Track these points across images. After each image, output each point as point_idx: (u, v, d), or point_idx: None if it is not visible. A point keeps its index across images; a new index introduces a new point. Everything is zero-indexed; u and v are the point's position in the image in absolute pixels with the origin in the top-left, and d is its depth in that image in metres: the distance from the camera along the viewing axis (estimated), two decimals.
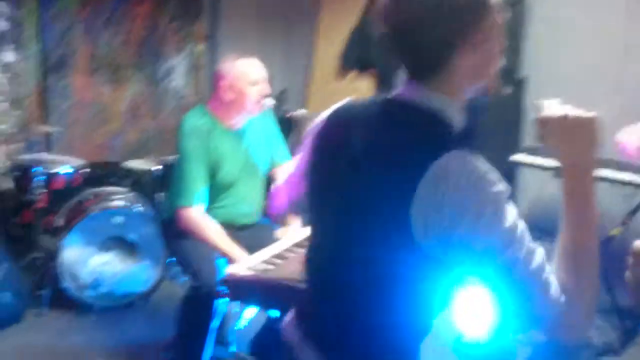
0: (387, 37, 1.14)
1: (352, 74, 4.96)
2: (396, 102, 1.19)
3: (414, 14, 1.08)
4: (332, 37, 5.14)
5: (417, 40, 1.10)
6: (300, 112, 2.89)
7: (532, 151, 3.30)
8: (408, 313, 1.19)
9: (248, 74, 2.59)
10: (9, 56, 4.17)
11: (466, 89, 1.17)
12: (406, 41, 1.13)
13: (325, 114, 1.34)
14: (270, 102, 2.68)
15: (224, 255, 2.49)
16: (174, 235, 2.66)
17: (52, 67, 4.44)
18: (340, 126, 1.28)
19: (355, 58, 4.87)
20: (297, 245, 2.31)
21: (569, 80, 3.62)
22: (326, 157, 1.29)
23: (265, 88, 2.64)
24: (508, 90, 3.66)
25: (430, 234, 1.06)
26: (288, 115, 2.88)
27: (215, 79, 2.67)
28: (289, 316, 1.43)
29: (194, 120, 2.61)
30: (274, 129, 2.86)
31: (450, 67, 1.12)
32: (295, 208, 1.53)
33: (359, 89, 4.94)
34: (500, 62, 1.18)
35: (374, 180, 1.14)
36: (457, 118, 1.17)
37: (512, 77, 3.77)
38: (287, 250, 2.26)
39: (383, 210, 1.12)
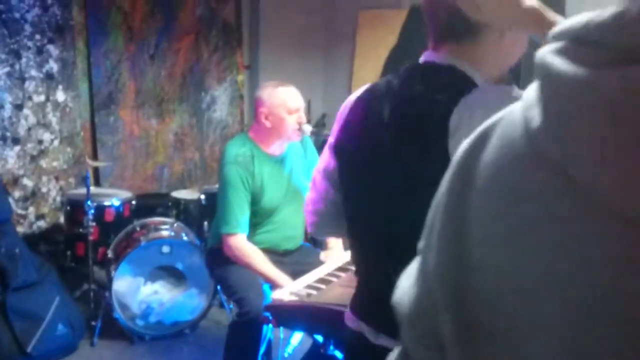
0: (424, 4, 1.26)
1: None
2: (423, 65, 1.28)
3: None
4: (370, 59, 5.18)
5: (453, 10, 1.18)
6: None
7: None
8: None
9: (286, 101, 2.63)
10: (60, 95, 4.34)
11: (488, 66, 1.24)
12: (441, 5, 1.22)
13: (352, 97, 1.40)
14: (309, 128, 2.71)
15: (268, 281, 2.50)
16: (220, 263, 2.70)
17: (100, 104, 4.59)
18: (373, 99, 1.33)
19: None
20: (340, 269, 2.31)
21: None
22: (363, 130, 1.33)
23: (303, 115, 2.67)
24: None
25: None
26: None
27: (254, 107, 2.72)
28: (350, 314, 1.43)
29: (236, 149, 2.66)
30: (313, 154, 2.88)
31: (477, 38, 1.21)
32: (323, 216, 1.55)
33: None
34: (521, 55, 1.26)
35: (411, 133, 1.21)
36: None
37: None
38: (330, 274, 2.26)
39: (425, 159, 1.17)
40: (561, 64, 0.55)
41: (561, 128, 0.54)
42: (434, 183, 1.15)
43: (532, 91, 0.60)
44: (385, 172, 1.28)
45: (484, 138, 0.68)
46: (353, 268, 2.24)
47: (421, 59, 1.30)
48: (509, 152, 0.63)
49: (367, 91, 1.38)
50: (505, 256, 0.61)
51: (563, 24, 0.58)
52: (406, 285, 0.80)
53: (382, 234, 1.33)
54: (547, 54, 0.57)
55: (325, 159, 1.49)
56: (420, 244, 0.78)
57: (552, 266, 0.56)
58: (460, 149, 0.72)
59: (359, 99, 1.38)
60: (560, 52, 0.56)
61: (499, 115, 0.69)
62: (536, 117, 0.57)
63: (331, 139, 1.46)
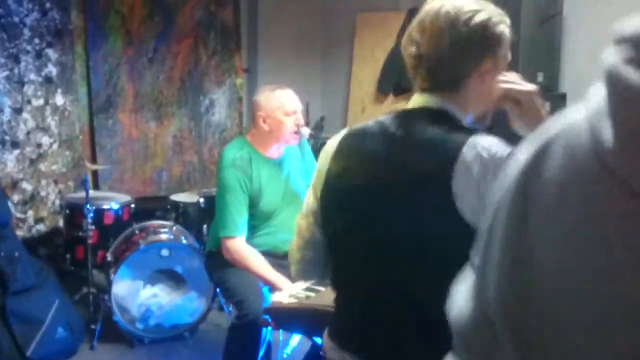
0: (414, 58, 1.35)
1: (389, 98, 4.98)
2: (419, 110, 1.36)
3: (437, 46, 1.30)
4: (368, 62, 5.19)
5: (439, 64, 1.31)
6: None
7: None
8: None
9: (283, 104, 2.64)
10: (59, 99, 4.35)
11: (473, 107, 1.36)
12: (430, 64, 1.33)
13: (336, 140, 1.45)
14: (307, 130, 2.72)
15: (267, 283, 2.51)
16: (219, 266, 2.71)
17: (99, 107, 4.60)
18: (366, 141, 1.38)
19: (392, 82, 4.89)
20: None
21: None
22: (358, 171, 1.37)
23: (301, 118, 2.68)
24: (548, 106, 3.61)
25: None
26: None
27: (252, 109, 2.73)
28: (327, 340, 1.45)
29: (233, 152, 2.67)
30: (311, 157, 2.89)
31: (463, 87, 1.33)
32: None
33: None
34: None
35: (413, 175, 1.28)
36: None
37: (551, 93, 3.73)
38: None
39: (426, 200, 1.25)
40: (633, 76, 0.51)
41: (636, 149, 0.51)
42: (434, 221, 1.23)
43: (598, 99, 0.56)
44: (383, 211, 1.31)
45: (543, 153, 0.63)
46: None
47: (413, 103, 1.37)
48: (575, 169, 0.59)
49: (355, 134, 1.43)
50: (578, 281, 0.56)
51: (625, 26, 0.54)
52: (461, 301, 0.77)
53: (376, 265, 1.35)
54: (617, 62, 0.54)
55: (309, 202, 1.51)
56: (475, 260, 0.74)
57: (631, 291, 0.53)
58: (515, 164, 0.67)
59: (348, 141, 1.42)
60: (631, 61, 0.52)
61: (558, 127, 0.64)
62: (607, 134, 0.53)
63: (314, 183, 1.49)
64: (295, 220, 1.59)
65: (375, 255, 1.35)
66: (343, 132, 1.46)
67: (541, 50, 3.63)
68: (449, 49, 1.29)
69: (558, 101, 3.71)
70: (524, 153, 0.66)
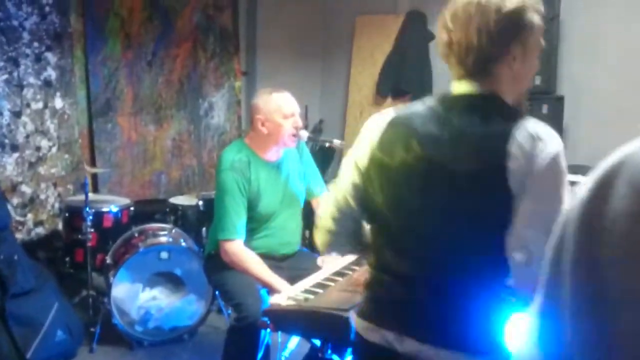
0: (446, 45, 1.40)
1: (388, 101, 4.99)
2: (468, 95, 1.40)
3: (467, 32, 1.35)
4: (367, 65, 5.20)
5: (468, 50, 1.36)
6: (338, 142, 2.94)
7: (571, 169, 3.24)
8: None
9: (281, 107, 2.65)
10: (58, 102, 4.36)
11: (508, 94, 1.39)
12: (460, 50, 1.37)
13: (383, 118, 1.50)
14: (305, 133, 2.73)
15: (266, 286, 2.52)
16: (217, 269, 2.71)
17: (98, 111, 4.61)
18: (416, 123, 1.43)
19: (391, 85, 4.91)
20: (337, 273, 2.33)
21: (606, 96, 3.57)
22: (408, 150, 1.41)
23: (299, 120, 2.69)
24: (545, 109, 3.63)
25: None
26: (327, 145, 2.92)
27: (250, 113, 2.74)
28: (366, 326, 1.46)
29: (232, 155, 2.68)
30: (309, 160, 2.90)
31: (494, 73, 1.37)
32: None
33: None
34: (534, 78, 1.41)
35: (469, 156, 1.32)
36: None
37: (548, 95, 3.74)
38: (327, 279, 2.28)
39: (481, 182, 1.30)
40: None
41: None
42: (483, 199, 1.29)
43: None
44: (437, 190, 1.37)
45: (606, 185, 0.61)
46: (350, 272, 2.27)
47: (457, 88, 1.41)
48: None
49: (404, 115, 1.48)
50: None
51: None
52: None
53: (422, 242, 1.40)
54: None
55: (349, 176, 1.54)
56: (538, 306, 0.71)
57: None
58: (577, 200, 0.66)
59: (397, 121, 1.47)
60: None
61: (618, 159, 0.62)
62: None
63: (357, 157, 1.52)
64: (330, 192, 1.62)
65: (421, 231, 1.39)
66: (390, 112, 1.51)
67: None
68: (477, 35, 1.33)
69: (555, 104, 3.73)
70: (585, 187, 0.65)
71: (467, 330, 1.33)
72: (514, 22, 1.34)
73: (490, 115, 1.35)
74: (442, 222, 1.36)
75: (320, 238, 1.65)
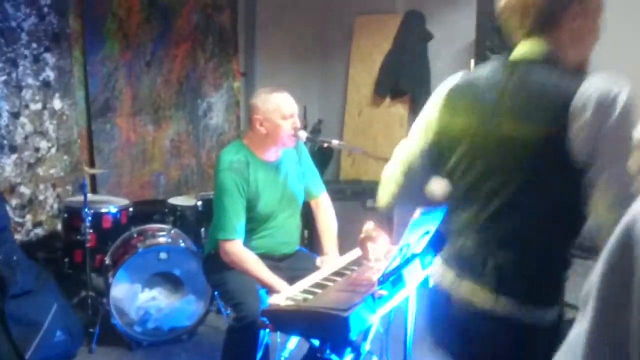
0: (506, 6, 1.46)
1: (387, 101, 5.00)
2: (528, 60, 1.44)
3: None
4: (366, 64, 5.20)
5: (527, 9, 1.42)
6: (336, 142, 2.93)
7: None
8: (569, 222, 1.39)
9: (280, 107, 2.65)
10: (57, 103, 4.36)
11: (572, 54, 1.42)
12: (521, 8, 1.43)
13: (451, 82, 1.57)
14: (304, 134, 2.74)
15: (265, 286, 2.52)
16: (216, 269, 2.72)
17: (97, 111, 4.60)
18: (481, 86, 1.50)
19: (389, 85, 4.91)
20: (336, 273, 2.33)
21: None
22: (479, 112, 1.48)
23: (297, 121, 2.69)
24: None
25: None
26: (326, 146, 2.92)
27: (249, 113, 2.75)
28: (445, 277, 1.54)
29: (230, 155, 2.68)
30: (308, 160, 2.90)
31: (557, 32, 1.41)
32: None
33: (394, 115, 4.97)
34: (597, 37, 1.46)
35: (534, 116, 1.37)
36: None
37: None
38: (326, 279, 2.28)
39: (542, 144, 1.34)
40: None
41: None
42: (553, 157, 1.32)
43: None
44: (501, 151, 1.43)
45: (628, 237, 0.62)
46: (349, 272, 2.27)
47: (518, 52, 1.46)
48: None
49: (469, 80, 1.55)
50: None
51: None
52: None
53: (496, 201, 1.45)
54: None
55: (419, 137, 1.62)
56: (586, 337, 0.71)
57: None
58: (604, 254, 0.67)
59: (462, 85, 1.55)
60: None
61: (635, 211, 0.63)
62: None
63: (427, 118, 1.61)
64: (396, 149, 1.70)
65: (488, 189, 1.45)
66: (457, 76, 1.58)
67: None
68: None
69: None
70: (613, 239, 0.67)
71: (534, 283, 1.41)
72: None
73: (551, 77, 1.38)
74: (505, 181, 1.42)
75: (385, 190, 1.73)
